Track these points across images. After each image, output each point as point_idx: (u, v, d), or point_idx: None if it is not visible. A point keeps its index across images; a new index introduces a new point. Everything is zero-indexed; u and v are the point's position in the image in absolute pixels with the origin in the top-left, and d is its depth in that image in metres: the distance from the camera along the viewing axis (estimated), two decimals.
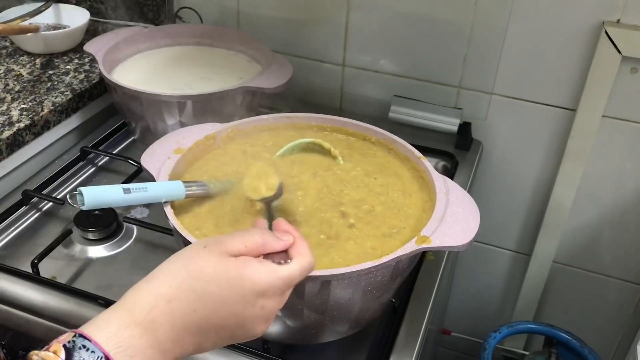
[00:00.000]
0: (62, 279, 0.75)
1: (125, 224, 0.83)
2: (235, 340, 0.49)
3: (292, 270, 0.49)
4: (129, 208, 0.86)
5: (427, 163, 0.70)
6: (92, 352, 0.41)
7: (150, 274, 0.47)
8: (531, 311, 1.22)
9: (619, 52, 0.91)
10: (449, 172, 0.96)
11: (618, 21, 0.91)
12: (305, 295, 0.57)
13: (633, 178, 1.03)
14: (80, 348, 0.41)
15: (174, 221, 0.60)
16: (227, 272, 0.46)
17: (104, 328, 0.43)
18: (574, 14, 0.93)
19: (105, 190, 0.56)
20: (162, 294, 0.45)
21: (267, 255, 0.50)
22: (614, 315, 1.19)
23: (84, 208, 0.54)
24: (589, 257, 1.15)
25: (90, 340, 0.42)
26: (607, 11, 0.91)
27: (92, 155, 0.97)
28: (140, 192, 0.58)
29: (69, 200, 0.54)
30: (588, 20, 0.92)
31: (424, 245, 0.58)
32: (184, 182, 0.64)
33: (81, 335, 0.42)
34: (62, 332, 0.70)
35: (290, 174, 0.71)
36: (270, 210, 0.59)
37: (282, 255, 0.50)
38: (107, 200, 0.56)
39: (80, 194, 0.54)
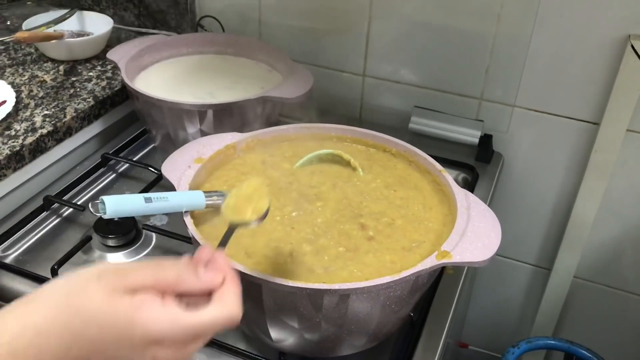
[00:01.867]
0: None
1: (144, 231, 0.84)
2: None
3: (202, 319, 0.41)
4: (148, 215, 0.86)
5: (449, 176, 0.69)
6: None
7: (32, 294, 0.40)
8: (550, 327, 1.21)
9: None
10: (470, 185, 0.95)
11: None
12: (323, 309, 0.56)
13: None
14: None
15: (193, 231, 0.60)
16: (114, 314, 0.39)
17: None
18: (599, 27, 0.91)
19: (126, 199, 0.56)
20: (33, 323, 0.38)
21: (182, 296, 0.42)
22: (635, 332, 1.16)
23: (105, 217, 0.54)
24: (611, 273, 1.13)
25: None
26: (633, 24, 0.90)
27: (112, 161, 0.97)
28: (161, 201, 0.58)
29: (91, 209, 0.55)
30: (613, 33, 0.91)
31: (445, 261, 0.57)
32: (205, 192, 0.64)
33: None
34: None
35: (309, 185, 0.70)
36: (229, 235, 0.51)
37: (202, 298, 0.43)
38: (128, 209, 0.56)
39: (102, 202, 0.54)
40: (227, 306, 0.43)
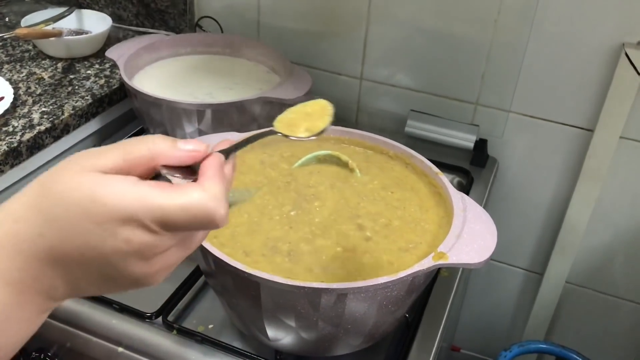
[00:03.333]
0: None
1: None
2: (119, 286, 0.39)
3: (173, 201, 0.36)
4: None
5: (445, 179, 0.70)
6: None
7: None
8: (542, 331, 1.21)
9: (639, 74, 0.91)
10: (464, 189, 0.96)
11: (638, 43, 0.91)
12: (320, 308, 0.57)
13: None
14: None
15: None
16: (77, 190, 0.36)
17: None
18: (594, 35, 0.93)
19: None
20: (11, 211, 0.37)
21: (164, 171, 0.39)
22: (626, 337, 1.18)
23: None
24: (603, 278, 1.14)
25: None
26: (628, 33, 0.91)
27: None
28: None
29: None
30: (608, 41, 0.92)
31: (441, 262, 0.58)
32: None
33: None
34: (74, 334, 0.71)
35: (307, 185, 0.71)
36: (246, 143, 0.45)
37: (185, 173, 0.40)
38: None
39: None
40: (206, 194, 0.37)
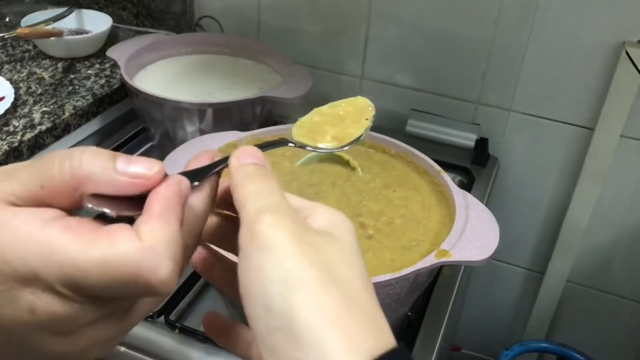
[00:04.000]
0: None
1: None
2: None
3: (85, 256, 0.26)
4: None
5: (447, 177, 0.70)
6: None
7: None
8: (543, 330, 1.21)
9: (639, 72, 0.91)
10: (465, 188, 0.96)
11: (639, 42, 0.91)
12: None
13: None
14: None
15: None
16: None
17: None
18: (595, 34, 0.93)
19: None
20: None
21: (88, 204, 0.28)
22: (627, 336, 1.18)
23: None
24: (603, 277, 1.14)
25: None
26: (628, 31, 0.91)
27: None
28: None
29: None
30: (609, 40, 0.92)
31: (444, 259, 0.58)
32: None
33: None
34: None
35: (309, 183, 0.71)
36: (221, 163, 0.33)
37: (125, 206, 0.28)
38: None
39: None
40: (139, 243, 0.26)
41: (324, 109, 0.41)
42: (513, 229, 1.14)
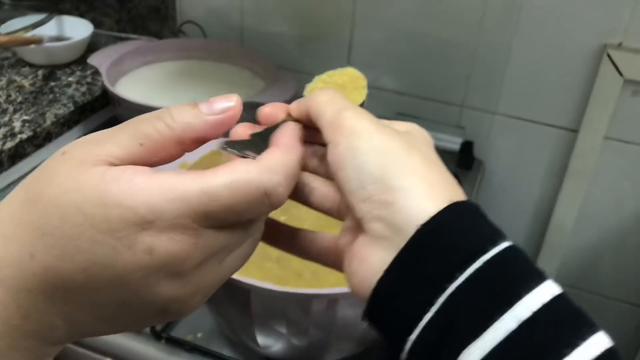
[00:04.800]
0: None
1: None
2: (138, 320, 0.30)
3: (214, 181, 0.28)
4: None
5: None
6: None
7: None
8: None
9: (621, 74, 0.91)
10: None
11: (620, 44, 0.92)
12: (311, 314, 0.56)
13: (633, 200, 1.03)
14: None
15: None
16: (77, 192, 0.27)
17: None
18: (578, 37, 0.93)
19: None
20: None
21: (228, 147, 0.32)
22: (614, 336, 1.18)
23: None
24: (589, 278, 1.15)
25: None
26: (610, 34, 0.92)
27: None
28: None
29: None
30: (591, 42, 0.93)
31: None
32: None
33: None
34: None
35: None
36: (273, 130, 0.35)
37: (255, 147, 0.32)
38: None
39: None
40: (257, 165, 0.29)
41: (324, 77, 0.43)
42: None
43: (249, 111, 0.97)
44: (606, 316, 1.16)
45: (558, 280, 1.02)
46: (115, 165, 0.28)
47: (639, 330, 1.14)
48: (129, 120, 0.31)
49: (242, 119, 0.98)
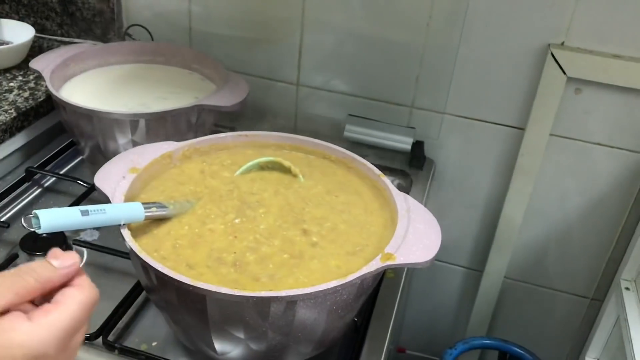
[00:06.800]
0: None
1: (75, 247, 0.80)
2: None
3: (70, 311, 0.41)
4: (78, 230, 0.83)
5: (387, 181, 0.71)
6: None
7: None
8: (484, 327, 1.24)
9: (564, 73, 0.94)
10: (404, 190, 0.96)
11: (562, 44, 0.95)
12: (270, 317, 0.55)
13: (577, 195, 1.07)
14: None
15: (132, 244, 0.58)
16: None
17: None
18: (522, 37, 0.96)
19: (62, 213, 0.53)
20: None
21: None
22: (562, 327, 1.22)
23: (39, 231, 0.51)
24: (538, 272, 1.18)
25: None
26: (552, 34, 0.95)
27: (38, 175, 0.93)
28: (98, 214, 0.56)
29: (24, 224, 0.51)
30: (535, 42, 0.96)
31: (389, 262, 0.58)
32: (143, 203, 0.62)
33: None
34: None
35: (251, 192, 0.69)
36: None
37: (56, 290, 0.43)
38: (64, 223, 0.53)
39: (36, 217, 0.51)
40: (86, 288, 0.43)
41: None
42: (452, 229, 1.16)
43: (200, 115, 0.96)
44: (555, 308, 1.20)
45: (508, 274, 1.05)
46: (4, 312, 0.39)
47: (586, 321, 1.18)
48: (3, 273, 0.41)
49: (193, 123, 0.96)
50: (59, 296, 0.42)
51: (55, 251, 0.44)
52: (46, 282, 0.42)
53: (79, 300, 0.42)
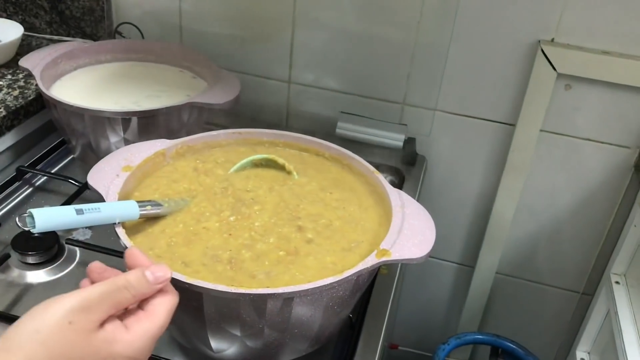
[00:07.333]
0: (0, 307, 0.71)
1: (67, 246, 0.79)
2: None
3: (161, 320, 0.46)
4: (71, 229, 0.82)
5: (381, 177, 0.71)
6: None
7: (2, 339, 0.40)
8: (476, 322, 1.25)
9: (554, 69, 0.95)
10: (397, 187, 0.97)
11: (552, 40, 0.95)
12: (266, 314, 0.55)
13: (567, 190, 1.08)
14: None
15: (126, 242, 0.57)
16: (97, 354, 0.42)
17: None
18: (512, 34, 0.97)
19: (57, 212, 0.53)
20: None
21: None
22: (554, 321, 1.23)
23: (34, 231, 0.51)
24: (529, 267, 1.19)
25: None
26: (542, 31, 0.95)
27: (29, 175, 0.92)
28: (93, 212, 0.55)
29: (18, 223, 0.51)
30: (525, 39, 0.96)
31: (384, 258, 0.58)
32: (138, 201, 0.61)
33: None
34: None
35: (245, 189, 0.69)
36: None
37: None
38: (60, 222, 0.53)
39: (31, 216, 0.50)
40: (171, 293, 0.48)
41: None
42: (444, 225, 1.16)
43: (192, 112, 0.96)
44: (546, 302, 1.21)
45: (500, 270, 1.06)
46: (103, 323, 0.44)
47: (577, 315, 1.19)
48: (102, 285, 0.44)
49: (185, 121, 0.96)
50: (150, 306, 0.46)
51: (141, 259, 0.48)
52: (141, 296, 0.46)
53: (168, 309, 0.47)
